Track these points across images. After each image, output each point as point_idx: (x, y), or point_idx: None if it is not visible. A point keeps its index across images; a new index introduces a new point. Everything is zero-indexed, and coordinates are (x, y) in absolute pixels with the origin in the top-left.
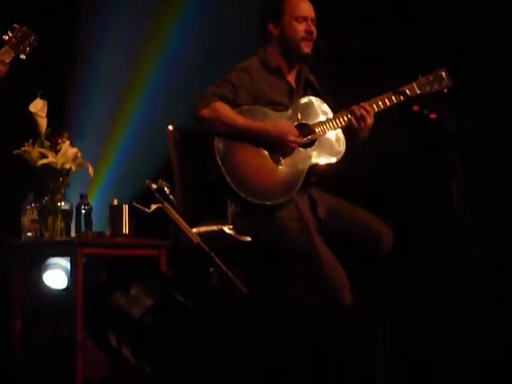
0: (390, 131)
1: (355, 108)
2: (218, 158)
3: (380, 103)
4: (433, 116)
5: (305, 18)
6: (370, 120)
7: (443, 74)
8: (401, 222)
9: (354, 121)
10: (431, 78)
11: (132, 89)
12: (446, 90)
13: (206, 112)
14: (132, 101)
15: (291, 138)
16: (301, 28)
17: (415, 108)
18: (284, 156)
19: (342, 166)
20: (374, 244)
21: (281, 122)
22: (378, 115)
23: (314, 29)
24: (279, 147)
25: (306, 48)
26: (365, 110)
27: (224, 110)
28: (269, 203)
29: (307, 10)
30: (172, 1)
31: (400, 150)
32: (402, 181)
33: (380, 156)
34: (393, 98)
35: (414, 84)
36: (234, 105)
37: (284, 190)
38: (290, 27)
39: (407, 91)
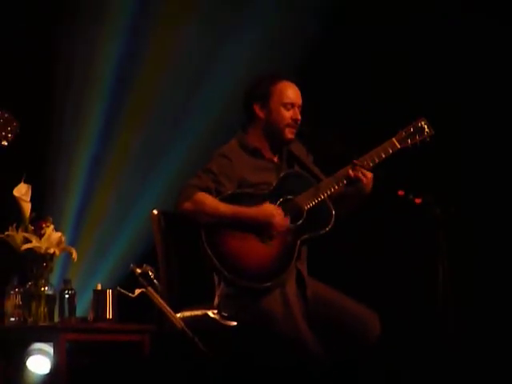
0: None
1: (355, 161)
2: (208, 250)
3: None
4: (418, 200)
5: (292, 105)
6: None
7: (423, 123)
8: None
9: (359, 174)
10: (412, 130)
11: (115, 171)
12: (428, 139)
13: (188, 205)
14: (116, 184)
15: (277, 219)
16: (287, 115)
17: (400, 193)
18: (272, 238)
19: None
20: (360, 333)
21: (265, 206)
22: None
23: (299, 116)
24: (266, 230)
25: (290, 134)
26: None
27: (206, 201)
28: (268, 284)
29: (295, 96)
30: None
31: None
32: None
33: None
34: (369, 162)
35: (394, 139)
36: (218, 193)
37: (279, 267)
38: (276, 113)
39: (388, 149)
